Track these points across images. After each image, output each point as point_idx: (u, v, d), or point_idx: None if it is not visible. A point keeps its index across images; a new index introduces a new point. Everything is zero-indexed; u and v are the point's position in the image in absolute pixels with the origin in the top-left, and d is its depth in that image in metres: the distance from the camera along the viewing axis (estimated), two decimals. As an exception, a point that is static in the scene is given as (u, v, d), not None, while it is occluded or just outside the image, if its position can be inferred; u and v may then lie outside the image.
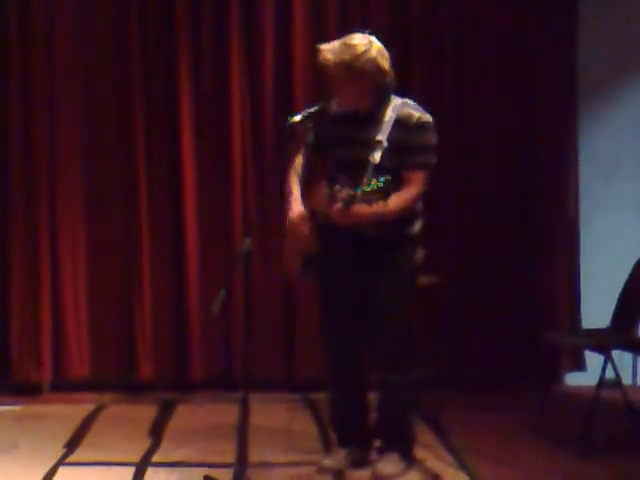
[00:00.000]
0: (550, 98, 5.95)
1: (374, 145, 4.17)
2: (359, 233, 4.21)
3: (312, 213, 4.29)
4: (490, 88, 5.96)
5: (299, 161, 4.40)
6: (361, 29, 4.24)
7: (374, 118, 4.23)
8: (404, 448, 4.44)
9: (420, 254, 4.39)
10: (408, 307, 4.36)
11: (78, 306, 5.92)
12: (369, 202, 4.02)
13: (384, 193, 3.98)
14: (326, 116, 4.29)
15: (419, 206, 4.34)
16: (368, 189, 4.00)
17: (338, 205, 4.10)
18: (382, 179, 3.98)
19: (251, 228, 5.41)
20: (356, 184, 4.11)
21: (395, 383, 4.35)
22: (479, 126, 5.95)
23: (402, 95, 4.30)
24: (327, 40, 4.24)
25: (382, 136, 4.18)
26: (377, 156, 4.15)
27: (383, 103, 4.23)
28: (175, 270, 5.95)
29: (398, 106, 4.23)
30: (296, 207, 4.27)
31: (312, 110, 4.25)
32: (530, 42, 5.95)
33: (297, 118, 4.23)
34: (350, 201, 4.06)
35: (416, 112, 4.22)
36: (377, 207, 4.05)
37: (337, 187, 4.14)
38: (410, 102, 4.28)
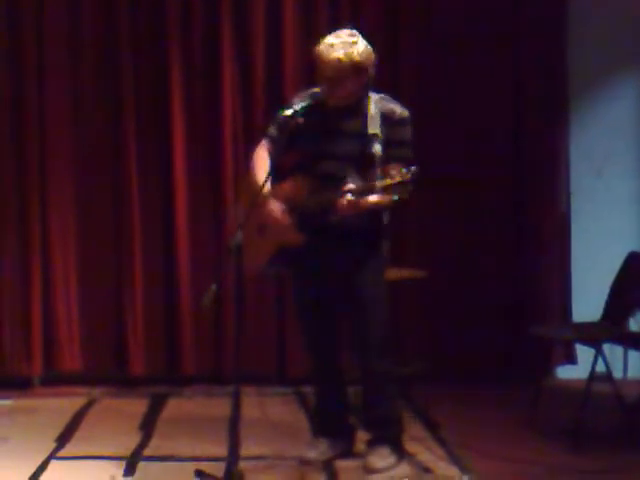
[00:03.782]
0: (541, 94, 5.95)
1: (370, 138, 4.20)
2: (332, 225, 4.23)
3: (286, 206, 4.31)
4: (482, 85, 5.94)
5: (265, 155, 4.39)
6: (350, 25, 4.32)
7: (357, 111, 4.27)
8: (394, 436, 4.46)
9: (387, 245, 4.44)
10: (386, 296, 4.42)
11: (69, 300, 5.90)
12: (385, 193, 4.06)
13: (410, 184, 4.01)
14: (311, 110, 4.31)
15: None
16: (391, 181, 4.03)
17: (346, 198, 4.09)
18: (406, 170, 4.02)
19: (242, 222, 5.40)
20: (365, 177, 4.16)
21: (383, 371, 4.38)
22: (470, 123, 5.94)
23: (392, 91, 4.34)
24: (317, 37, 4.27)
25: (376, 129, 4.21)
26: (378, 148, 4.18)
27: (366, 97, 4.29)
28: (166, 264, 5.93)
29: (378, 100, 4.30)
30: (274, 203, 4.29)
31: (304, 104, 4.26)
32: (521, 39, 5.93)
33: (288, 112, 4.25)
34: (365, 193, 4.10)
35: (397, 107, 4.31)
36: (377, 198, 4.13)
37: (349, 180, 4.14)
38: (386, 97, 4.34)
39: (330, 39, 4.22)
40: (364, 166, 4.21)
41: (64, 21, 5.83)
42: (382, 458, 4.39)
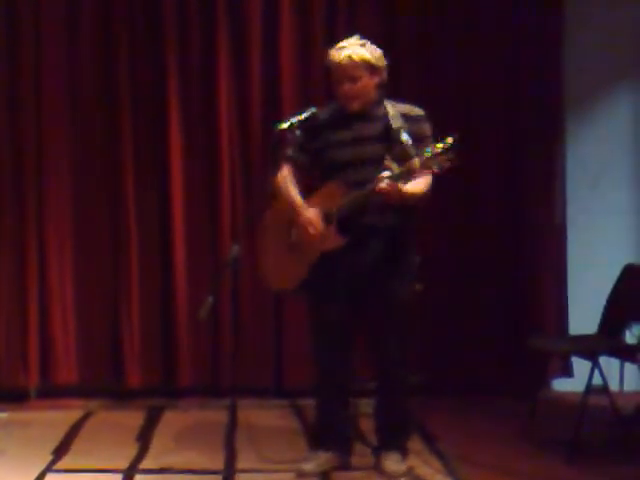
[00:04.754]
0: (537, 105, 5.96)
1: (395, 133, 4.25)
2: (366, 224, 4.26)
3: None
4: (477, 93, 5.96)
5: (288, 172, 4.40)
6: (352, 33, 4.40)
7: (376, 116, 4.34)
8: (403, 444, 4.49)
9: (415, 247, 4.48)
10: (414, 302, 4.45)
11: (65, 312, 5.90)
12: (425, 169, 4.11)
13: (451, 152, 4.08)
14: (317, 123, 4.34)
15: None
16: (430, 153, 4.07)
17: (385, 182, 4.11)
18: (450, 137, 4.09)
19: (239, 234, 5.40)
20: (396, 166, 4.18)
21: (403, 377, 4.42)
22: (466, 130, 5.94)
23: (391, 93, 4.41)
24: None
25: (400, 124, 4.27)
26: (406, 138, 4.22)
27: (382, 102, 4.37)
28: (163, 276, 5.93)
29: (393, 104, 4.38)
30: (308, 211, 4.31)
31: (300, 117, 4.28)
32: (516, 49, 5.94)
33: (285, 125, 4.27)
34: (403, 176, 4.13)
35: (413, 106, 4.41)
36: (416, 187, 4.20)
37: (385, 172, 4.16)
38: (398, 102, 4.42)
39: (340, 44, 4.35)
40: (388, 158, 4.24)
41: (62, 21, 5.85)
42: (398, 463, 4.44)
